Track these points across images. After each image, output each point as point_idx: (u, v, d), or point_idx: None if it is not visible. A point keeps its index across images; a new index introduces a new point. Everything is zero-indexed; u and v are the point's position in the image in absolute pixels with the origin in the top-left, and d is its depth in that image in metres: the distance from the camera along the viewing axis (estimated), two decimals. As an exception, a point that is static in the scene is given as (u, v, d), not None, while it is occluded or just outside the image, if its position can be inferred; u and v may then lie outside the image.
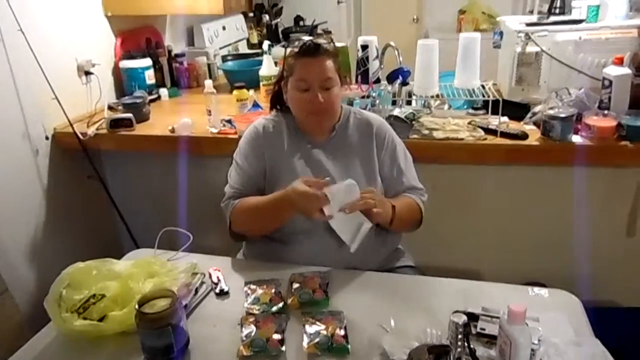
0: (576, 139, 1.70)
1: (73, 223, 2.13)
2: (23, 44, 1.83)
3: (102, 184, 2.10)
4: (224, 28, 3.29)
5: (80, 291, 1.17)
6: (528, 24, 1.96)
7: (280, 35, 3.82)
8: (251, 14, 3.70)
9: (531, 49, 1.92)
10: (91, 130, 2.02)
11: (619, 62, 1.72)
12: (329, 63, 1.38)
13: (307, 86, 1.37)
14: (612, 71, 1.72)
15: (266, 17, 3.77)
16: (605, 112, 1.70)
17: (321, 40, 1.39)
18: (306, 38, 1.42)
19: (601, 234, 1.87)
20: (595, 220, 1.86)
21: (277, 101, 1.53)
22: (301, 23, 4.00)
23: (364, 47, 1.94)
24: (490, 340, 1.05)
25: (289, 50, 1.43)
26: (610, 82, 1.72)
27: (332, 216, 1.25)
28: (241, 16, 3.58)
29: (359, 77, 1.97)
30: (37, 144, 1.98)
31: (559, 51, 1.88)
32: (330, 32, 3.83)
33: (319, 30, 3.75)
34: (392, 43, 2.01)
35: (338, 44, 2.07)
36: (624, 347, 1.18)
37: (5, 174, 1.84)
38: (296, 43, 1.41)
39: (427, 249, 1.64)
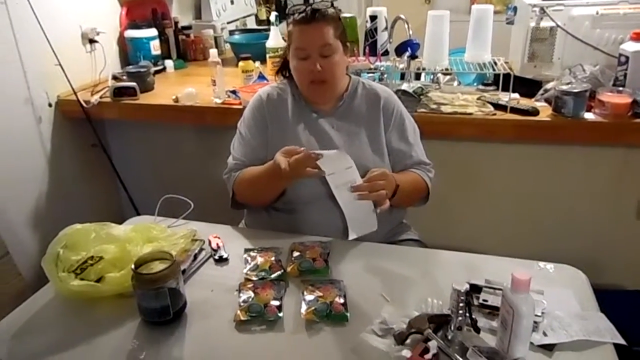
0: (589, 116, 1.66)
1: (75, 190, 2.13)
2: (26, 7, 1.80)
3: (105, 153, 2.09)
4: (232, 2, 3.23)
5: (77, 252, 1.15)
6: (543, -2, 1.90)
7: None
8: (260, -10, 3.65)
9: (546, 24, 1.86)
10: (95, 99, 2.01)
11: (637, 37, 1.66)
12: (328, 29, 1.33)
13: (305, 54, 1.34)
14: (630, 47, 1.66)
15: (275, -7, 3.70)
16: (620, 89, 1.65)
17: (320, 6, 1.34)
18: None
19: (610, 215, 1.84)
20: (604, 201, 1.83)
21: (284, 70, 1.49)
22: (311, 0, 3.93)
23: (373, 18, 1.89)
24: (492, 311, 1.03)
25: (290, 18, 1.39)
26: (627, 58, 1.66)
27: (324, 171, 1.25)
28: (250, -9, 3.52)
29: (367, 48, 1.93)
30: (40, 110, 1.97)
31: (575, 26, 1.82)
32: (340, 10, 3.77)
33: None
34: (402, 15, 1.96)
35: (346, 14, 2.04)
36: (629, 329, 1.15)
37: (7, 140, 1.83)
38: (295, 10, 1.37)
39: (431, 225, 1.61)
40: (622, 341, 0.96)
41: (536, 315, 0.96)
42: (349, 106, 1.44)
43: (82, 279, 1.11)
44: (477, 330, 0.97)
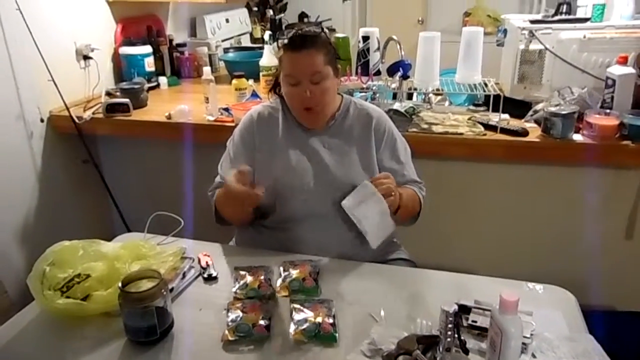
0: (577, 137, 1.68)
1: (66, 207, 2.11)
2: (20, 24, 1.81)
3: (96, 169, 2.08)
4: (227, 21, 3.27)
5: (64, 270, 1.14)
6: (532, 22, 1.94)
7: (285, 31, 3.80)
8: (255, 9, 3.69)
9: (535, 46, 1.90)
10: (87, 114, 2.01)
11: (623, 61, 1.70)
12: (318, 56, 1.32)
13: (295, 81, 1.34)
14: (616, 70, 1.69)
15: (270, 12, 3.75)
16: (608, 111, 1.68)
17: (310, 31, 1.34)
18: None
19: (599, 236, 1.84)
20: (593, 222, 1.84)
21: (277, 87, 1.50)
22: (305, 20, 3.99)
23: (365, 39, 1.92)
24: (481, 332, 1.02)
25: (280, 43, 1.40)
26: (614, 81, 1.69)
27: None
28: (245, 10, 3.56)
29: (359, 68, 1.95)
30: (31, 126, 1.96)
31: (563, 49, 1.86)
32: (334, 30, 3.82)
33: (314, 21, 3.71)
34: (394, 36, 1.99)
35: (339, 35, 2.07)
36: (619, 351, 1.15)
37: (-2, 154, 1.82)
38: (285, 34, 1.37)
39: (422, 246, 1.61)
40: (610, 363, 0.96)
41: (525, 337, 0.96)
42: (340, 125, 1.45)
43: (68, 297, 1.10)
44: (466, 351, 0.96)
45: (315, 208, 1.33)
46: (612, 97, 1.70)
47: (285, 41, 1.35)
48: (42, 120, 2.01)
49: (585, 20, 1.90)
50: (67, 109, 2.00)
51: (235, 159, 1.44)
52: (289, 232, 1.37)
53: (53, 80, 1.93)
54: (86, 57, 2.19)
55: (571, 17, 1.95)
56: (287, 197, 1.36)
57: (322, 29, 1.38)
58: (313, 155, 1.40)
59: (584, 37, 1.83)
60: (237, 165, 1.42)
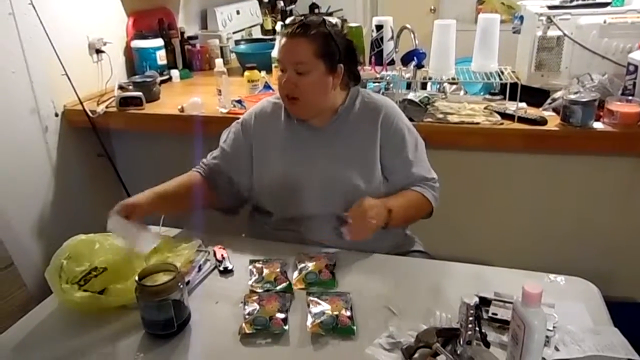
0: (598, 125, 1.64)
1: (81, 201, 2.12)
2: (34, 18, 1.81)
3: (110, 162, 2.08)
4: (237, 12, 3.25)
5: (81, 263, 1.14)
6: (550, 7, 1.89)
7: (295, 22, 3.77)
8: (266, 0, 3.66)
9: (552, 33, 1.85)
10: (101, 108, 2.01)
11: (646, 46, 1.65)
12: (308, 47, 1.25)
13: (282, 67, 1.31)
14: (638, 56, 1.65)
15: (281, 4, 3.72)
16: (630, 98, 1.64)
17: (312, 20, 1.28)
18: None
19: (620, 225, 1.81)
20: (614, 212, 1.80)
21: None
22: (316, 10, 3.95)
23: (379, 28, 1.89)
24: (502, 325, 1.01)
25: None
26: (636, 67, 1.64)
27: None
28: (256, 1, 3.54)
29: (373, 58, 1.92)
30: (46, 120, 1.97)
31: (582, 35, 1.81)
32: (345, 20, 3.78)
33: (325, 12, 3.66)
34: (408, 25, 1.96)
35: (351, 24, 2.05)
36: (641, 342, 1.13)
37: (13, 149, 1.83)
38: (291, 21, 1.35)
39: (438, 237, 1.58)
40: (636, 357, 0.93)
41: (548, 330, 0.94)
42: (344, 120, 1.36)
43: (85, 290, 1.10)
44: (487, 344, 0.95)
45: (313, 208, 1.31)
46: (634, 84, 1.66)
47: (287, 27, 1.33)
48: (56, 115, 2.02)
49: (606, 4, 1.85)
50: (81, 103, 2.00)
51: (221, 152, 1.46)
52: (301, 228, 1.35)
53: (67, 75, 1.94)
54: (98, 51, 2.19)
55: (591, 1, 1.90)
56: (285, 197, 1.34)
57: (324, 21, 1.30)
58: (312, 154, 1.35)
59: (605, 22, 1.78)
60: (220, 157, 1.45)
